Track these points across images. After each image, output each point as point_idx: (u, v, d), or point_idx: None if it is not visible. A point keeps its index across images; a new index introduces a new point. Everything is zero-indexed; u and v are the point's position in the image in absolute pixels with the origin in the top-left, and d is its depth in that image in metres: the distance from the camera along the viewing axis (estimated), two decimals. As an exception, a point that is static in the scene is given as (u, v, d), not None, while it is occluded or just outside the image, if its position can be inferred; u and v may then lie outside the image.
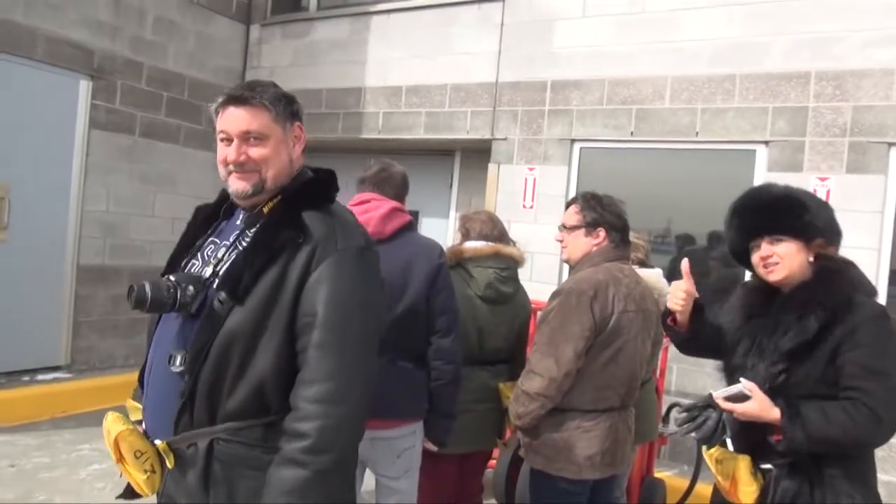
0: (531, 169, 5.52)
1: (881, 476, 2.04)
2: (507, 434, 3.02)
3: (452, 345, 2.54)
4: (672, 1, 4.98)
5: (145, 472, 1.58)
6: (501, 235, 2.99)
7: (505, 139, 5.65)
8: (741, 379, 1.87)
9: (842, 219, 2.03)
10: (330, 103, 6.69)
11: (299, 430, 1.45)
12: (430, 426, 2.59)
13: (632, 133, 5.11)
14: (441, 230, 6.27)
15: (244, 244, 1.62)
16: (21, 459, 4.27)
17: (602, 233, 2.56)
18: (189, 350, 1.55)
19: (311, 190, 1.68)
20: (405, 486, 2.60)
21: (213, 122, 1.65)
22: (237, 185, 1.62)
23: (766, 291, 2.03)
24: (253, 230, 1.63)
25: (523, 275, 3.12)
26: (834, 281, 1.90)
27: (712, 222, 4.91)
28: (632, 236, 3.02)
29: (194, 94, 6.74)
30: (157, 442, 1.59)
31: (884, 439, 1.81)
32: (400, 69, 6.28)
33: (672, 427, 4.21)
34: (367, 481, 2.74)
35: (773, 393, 1.86)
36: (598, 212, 2.56)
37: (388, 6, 6.39)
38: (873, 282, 4.36)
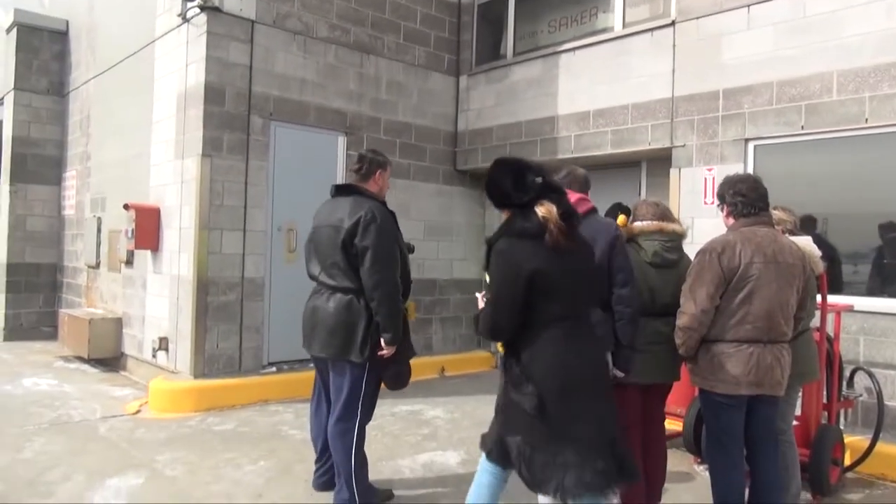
0: (709, 169, 6.13)
1: None
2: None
3: (630, 293, 3.39)
4: (832, 2, 5.40)
5: None
6: (664, 216, 3.80)
7: (683, 146, 6.34)
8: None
9: None
10: (528, 132, 7.85)
11: None
12: (615, 357, 3.45)
13: (802, 127, 5.56)
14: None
15: None
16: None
17: (725, 209, 3.43)
18: None
19: None
20: (598, 399, 3.52)
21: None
22: None
23: None
24: None
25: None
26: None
27: (888, 203, 5.21)
28: (779, 213, 3.75)
29: (419, 138, 8.32)
30: None
31: (494, 335, 2.79)
32: (586, 96, 7.24)
33: (855, 391, 4.66)
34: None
35: None
36: (720, 194, 3.47)
37: (572, 45, 7.43)
38: None
